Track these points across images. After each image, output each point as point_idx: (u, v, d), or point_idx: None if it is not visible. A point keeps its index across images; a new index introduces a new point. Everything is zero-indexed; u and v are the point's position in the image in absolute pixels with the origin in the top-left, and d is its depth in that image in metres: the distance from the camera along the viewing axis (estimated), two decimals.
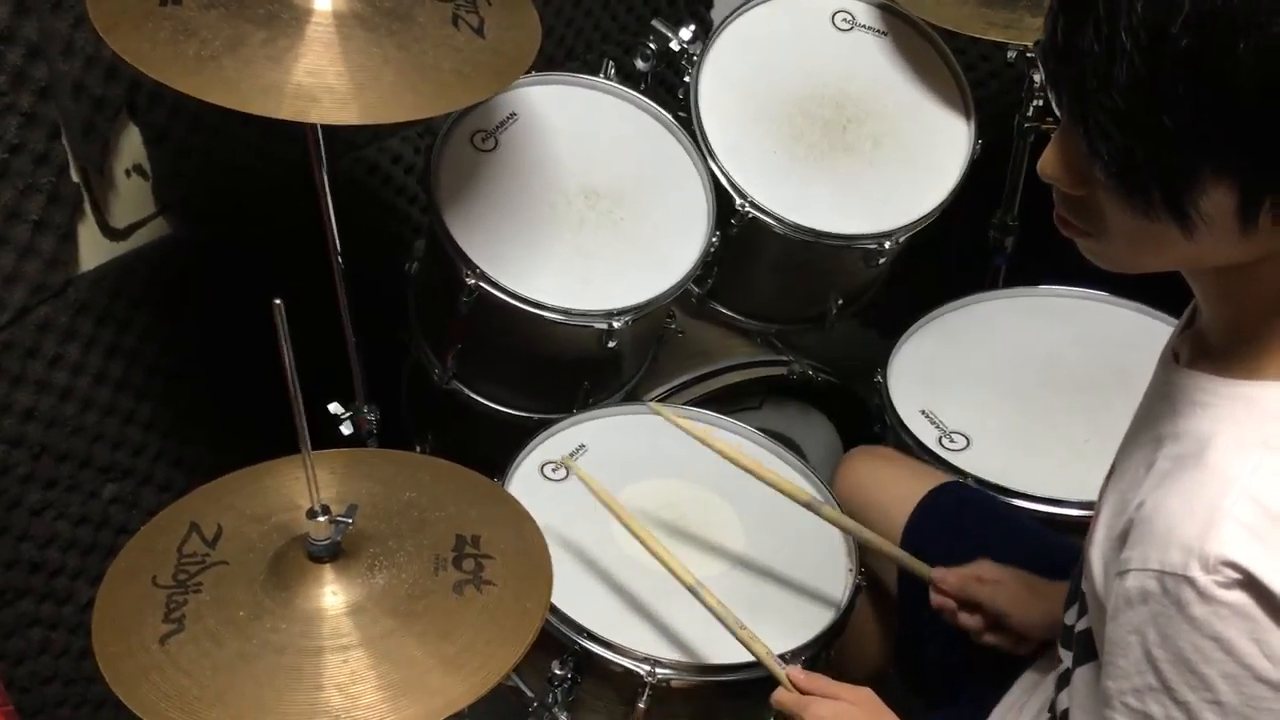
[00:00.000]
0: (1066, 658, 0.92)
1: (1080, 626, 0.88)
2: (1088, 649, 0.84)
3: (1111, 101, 0.68)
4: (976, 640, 1.21)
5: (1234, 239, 0.72)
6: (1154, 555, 0.73)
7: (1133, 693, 0.75)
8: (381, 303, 1.70)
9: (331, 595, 0.98)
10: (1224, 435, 0.75)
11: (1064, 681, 0.92)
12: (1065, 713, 0.89)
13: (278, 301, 0.89)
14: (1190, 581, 0.71)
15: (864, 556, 1.37)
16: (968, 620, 1.21)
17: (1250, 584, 0.69)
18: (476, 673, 0.94)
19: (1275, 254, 0.74)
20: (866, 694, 1.07)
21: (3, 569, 1.52)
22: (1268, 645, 0.70)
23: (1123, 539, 0.77)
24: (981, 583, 1.20)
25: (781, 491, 1.29)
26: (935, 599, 1.23)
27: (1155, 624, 0.73)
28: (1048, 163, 0.77)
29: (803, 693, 1.10)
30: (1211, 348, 0.82)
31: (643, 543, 1.22)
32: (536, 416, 1.60)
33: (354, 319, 1.47)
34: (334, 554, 0.99)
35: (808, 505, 1.29)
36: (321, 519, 0.98)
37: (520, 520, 1.10)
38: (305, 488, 1.00)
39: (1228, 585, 0.70)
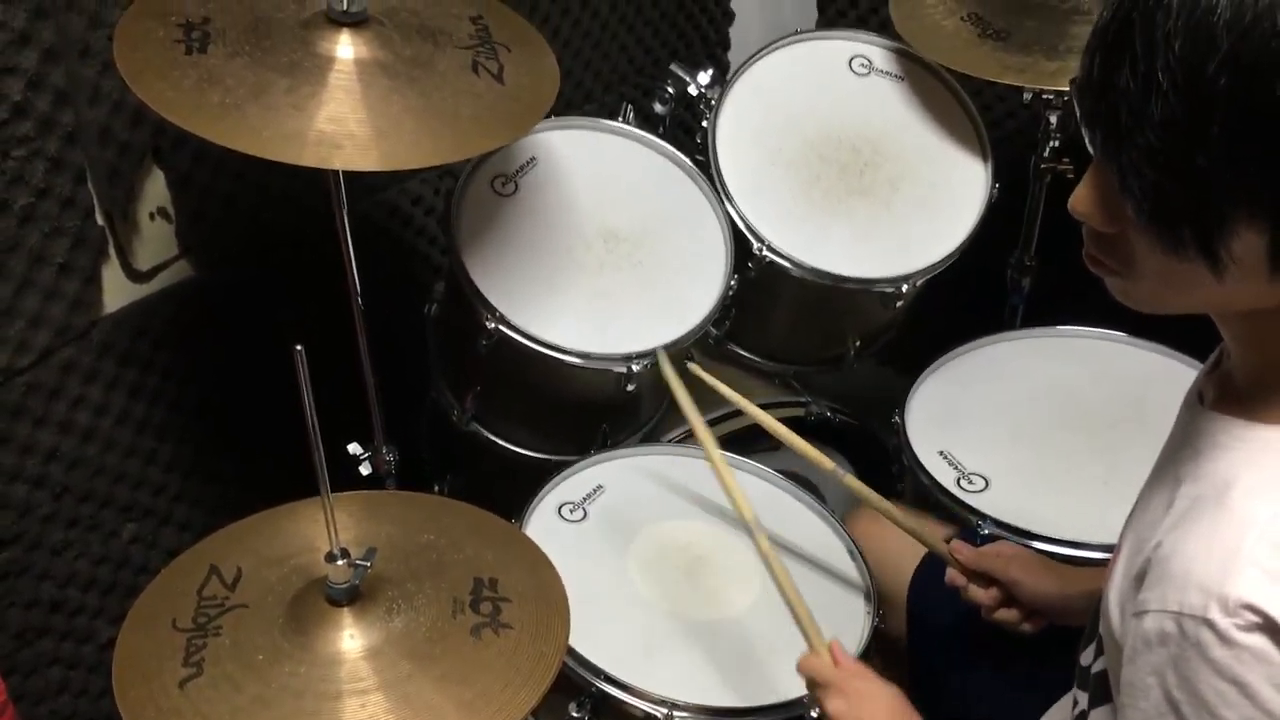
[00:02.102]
0: (1082, 699, 0.92)
1: (1096, 668, 0.88)
2: (1103, 690, 0.84)
3: (1146, 140, 0.69)
4: (987, 617, 1.22)
5: (1263, 282, 0.72)
6: (1172, 597, 0.73)
7: None
8: (401, 344, 1.72)
9: (350, 639, 0.98)
10: (1245, 478, 0.75)
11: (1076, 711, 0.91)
12: None
13: (299, 348, 0.90)
14: (1210, 624, 0.70)
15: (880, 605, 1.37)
16: (979, 594, 1.22)
17: (1270, 628, 0.69)
18: (494, 717, 0.94)
19: None
20: (896, 691, 1.07)
21: (23, 608, 1.53)
22: None
23: (1140, 579, 0.77)
24: (997, 556, 1.22)
25: (807, 457, 1.34)
26: (950, 574, 1.25)
27: (1174, 666, 0.72)
28: (1080, 200, 0.77)
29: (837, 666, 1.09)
30: (1237, 391, 0.82)
31: (714, 466, 1.26)
32: (555, 458, 1.61)
33: (373, 360, 1.48)
34: (352, 597, 1.00)
35: (831, 473, 1.34)
36: (340, 563, 0.98)
37: (537, 563, 1.10)
38: (324, 530, 1.01)
39: (1248, 629, 0.69)
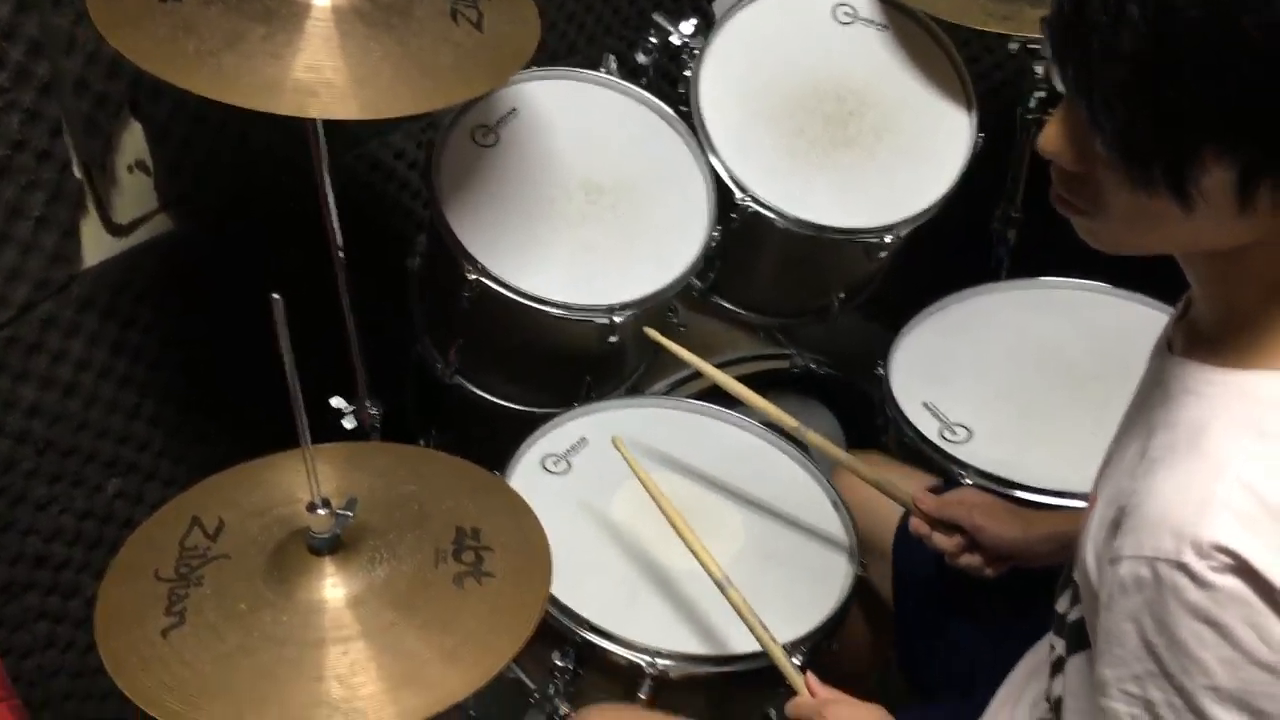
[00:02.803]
0: (1059, 646, 0.92)
1: (1073, 616, 0.89)
2: (1080, 638, 0.85)
3: (1116, 73, 0.69)
4: (952, 563, 1.23)
5: (1231, 219, 0.72)
6: (1147, 542, 0.73)
7: (1132, 680, 0.75)
8: (384, 298, 1.71)
9: (332, 588, 0.99)
10: (1217, 423, 0.75)
11: (1057, 669, 0.92)
12: (1059, 700, 0.90)
13: (276, 297, 0.90)
14: (1184, 567, 0.71)
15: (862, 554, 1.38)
16: (943, 541, 1.24)
17: (1244, 570, 0.70)
18: (476, 665, 0.95)
19: (1270, 239, 0.74)
20: (881, 712, 1.08)
21: (8, 564, 1.54)
22: (1263, 630, 0.70)
23: (1115, 527, 0.77)
24: (959, 503, 1.23)
25: (770, 416, 1.35)
26: (913, 523, 1.26)
27: (1151, 611, 0.73)
28: (1049, 139, 0.77)
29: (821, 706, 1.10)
30: (1205, 336, 0.82)
31: (675, 528, 1.23)
32: (539, 411, 1.61)
33: (356, 314, 1.48)
34: (334, 547, 1.00)
35: (795, 430, 1.35)
36: (322, 512, 0.98)
37: (520, 512, 1.11)
38: (306, 481, 1.01)
39: (1221, 570, 0.70)
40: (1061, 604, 0.94)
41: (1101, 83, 0.70)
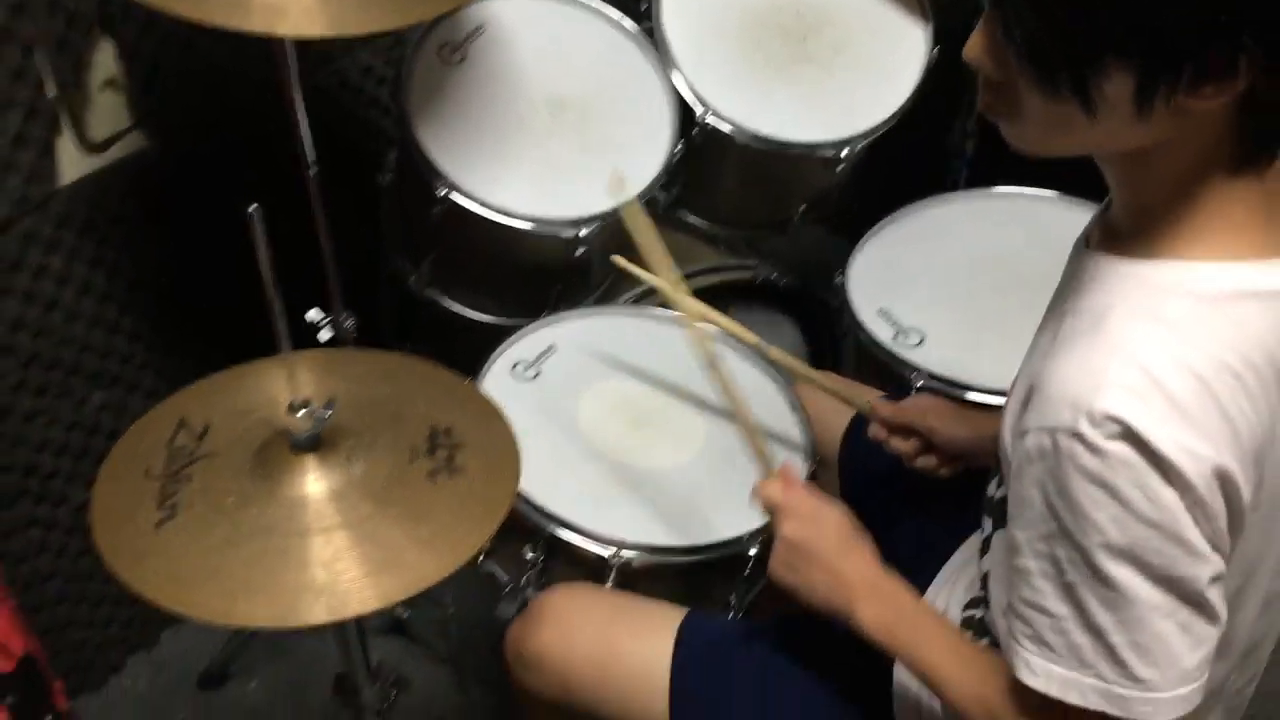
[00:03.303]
0: (987, 525, 1.00)
1: (998, 495, 0.96)
2: (1004, 515, 0.92)
3: None
4: (909, 464, 1.30)
5: (1132, 123, 0.78)
6: (1049, 414, 0.80)
7: (1040, 539, 0.83)
8: (357, 213, 1.75)
9: (314, 482, 1.04)
10: (1118, 308, 0.82)
11: (985, 548, 1.00)
12: (987, 575, 0.97)
13: (253, 209, 0.94)
14: (1079, 436, 0.78)
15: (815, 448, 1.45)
16: (900, 444, 1.31)
17: (1131, 436, 0.77)
18: (449, 551, 1.01)
19: (1171, 141, 0.80)
20: (842, 508, 1.10)
21: None
22: (1149, 490, 0.77)
23: (1025, 404, 0.85)
24: (914, 408, 1.30)
25: (732, 332, 1.41)
26: (872, 429, 1.33)
27: (1052, 477, 0.80)
28: (971, 49, 0.83)
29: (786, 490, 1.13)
30: (1117, 232, 0.88)
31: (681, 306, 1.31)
32: (510, 322, 1.66)
33: (329, 228, 1.51)
34: (315, 445, 1.05)
35: (755, 346, 1.42)
36: (302, 412, 1.04)
37: (489, 414, 1.16)
38: (286, 384, 1.06)
39: (1112, 438, 0.77)
40: (990, 488, 1.01)
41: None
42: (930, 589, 1.20)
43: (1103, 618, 0.81)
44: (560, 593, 1.28)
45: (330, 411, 1.05)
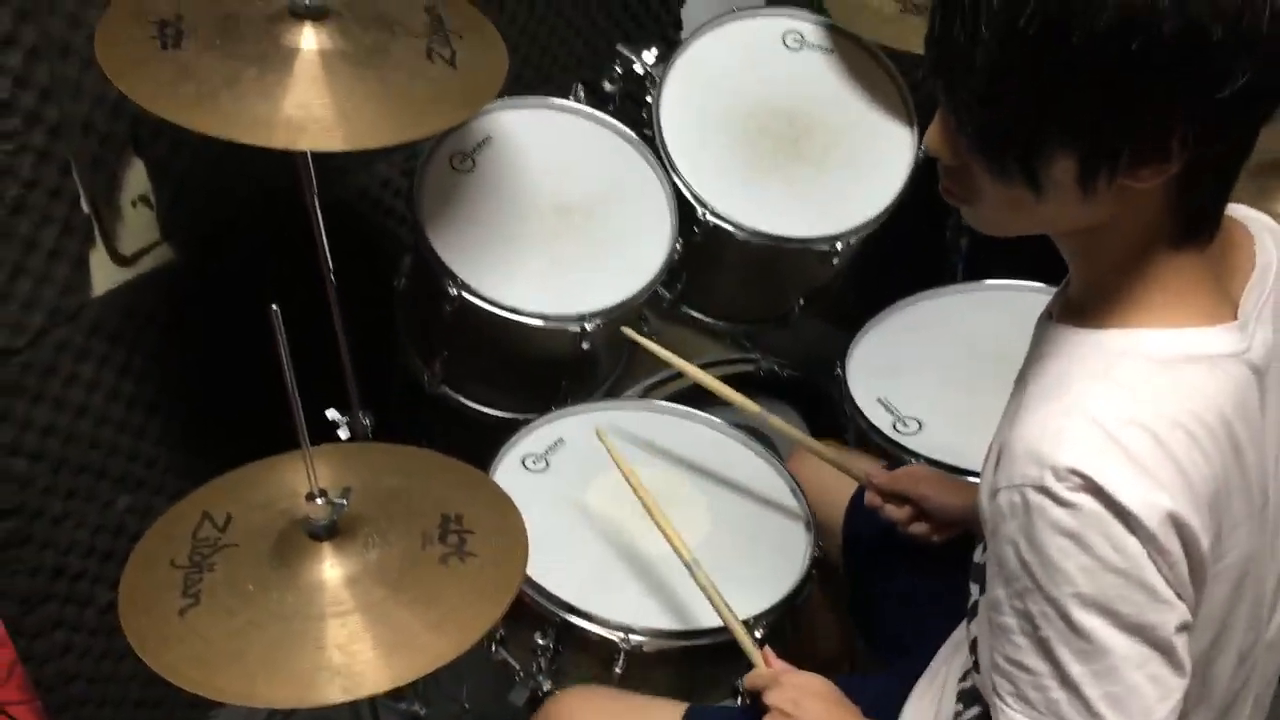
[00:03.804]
0: (974, 590, 1.04)
1: (982, 560, 1.00)
2: (986, 580, 0.96)
3: (974, 83, 0.81)
4: (903, 531, 1.35)
5: (1078, 203, 0.84)
6: (1017, 472, 0.85)
7: (1016, 596, 0.87)
8: (374, 316, 1.82)
9: (330, 569, 1.09)
10: (1074, 372, 0.88)
11: (973, 614, 1.03)
12: (975, 641, 1.01)
13: (275, 307, 1.01)
14: (1046, 490, 0.82)
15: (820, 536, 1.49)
16: (894, 512, 1.36)
17: (1093, 488, 0.81)
18: (460, 632, 1.06)
19: (1117, 219, 0.86)
20: (826, 682, 1.18)
21: (28, 575, 1.62)
22: (1114, 539, 0.81)
23: (996, 467, 0.89)
24: (908, 476, 1.36)
25: (734, 402, 1.46)
26: (868, 497, 1.38)
27: (1024, 531, 0.85)
28: (930, 139, 0.90)
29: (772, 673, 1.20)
30: (1075, 305, 0.94)
31: (650, 515, 1.33)
32: (520, 417, 1.71)
33: (347, 332, 1.58)
34: (332, 533, 1.11)
35: (756, 416, 1.46)
36: (319, 501, 1.09)
37: (499, 500, 1.22)
38: (305, 477, 1.12)
39: (1076, 490, 0.81)
40: (977, 554, 1.05)
41: (963, 91, 0.83)
42: (933, 662, 1.23)
43: (1077, 671, 0.84)
44: (570, 694, 1.32)
45: (346, 500, 1.10)
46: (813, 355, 1.97)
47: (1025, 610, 0.86)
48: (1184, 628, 0.85)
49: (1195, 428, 0.84)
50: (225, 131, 1.22)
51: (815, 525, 1.49)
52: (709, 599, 1.27)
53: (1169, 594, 0.83)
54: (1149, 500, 0.81)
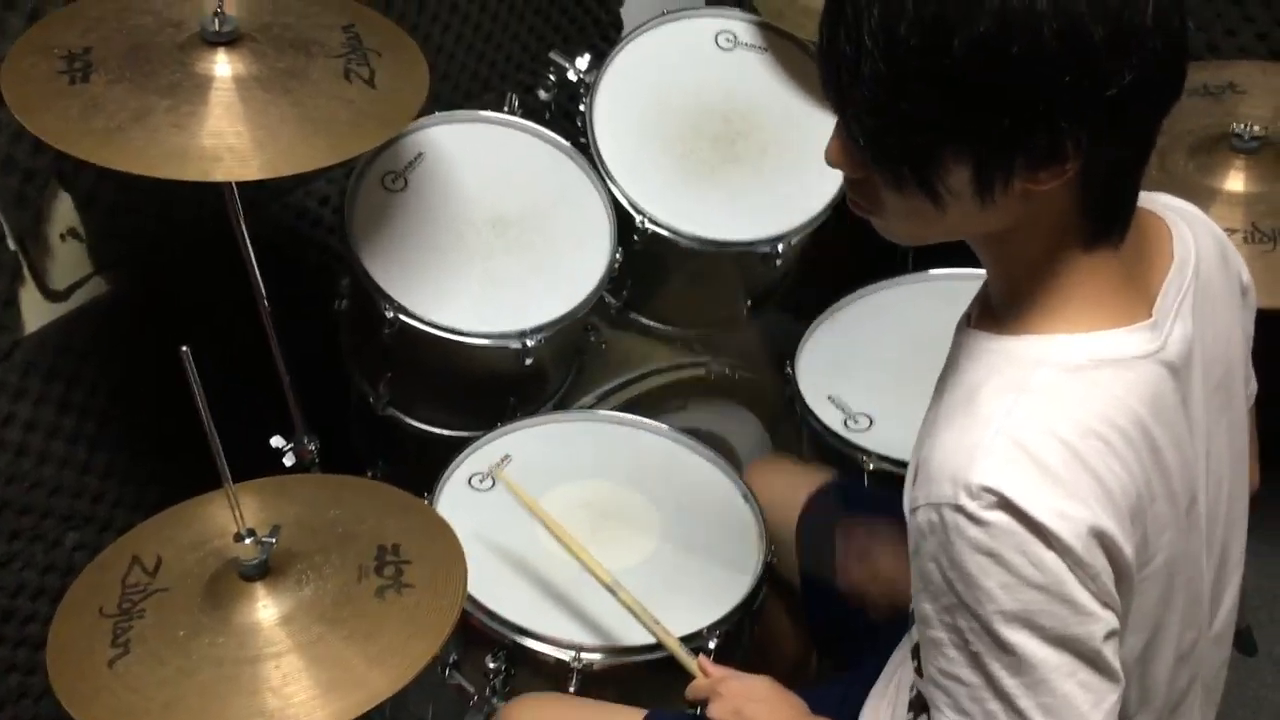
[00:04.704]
0: (918, 621, 1.03)
1: None
2: None
3: (862, 94, 0.80)
4: None
5: (979, 210, 0.83)
6: (934, 490, 0.84)
7: (944, 611, 0.86)
8: (317, 338, 1.80)
9: (264, 609, 1.08)
10: (988, 384, 0.86)
11: (914, 618, 1.02)
12: (917, 647, 0.99)
13: (185, 349, 0.99)
14: (961, 509, 0.81)
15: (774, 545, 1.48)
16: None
17: (1007, 505, 0.80)
18: (398, 666, 1.04)
19: (1024, 223, 0.85)
20: (766, 679, 1.18)
21: None
22: (1032, 555, 0.80)
23: (914, 481, 0.88)
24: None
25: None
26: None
27: (944, 550, 0.83)
28: (830, 152, 0.88)
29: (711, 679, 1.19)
30: (991, 310, 0.93)
31: (563, 544, 1.32)
32: (469, 435, 1.69)
33: (287, 357, 1.56)
34: (264, 572, 1.09)
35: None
36: (248, 541, 1.07)
37: (436, 526, 1.20)
38: (233, 516, 1.10)
39: (989, 508, 0.81)
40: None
41: (852, 102, 0.81)
42: (886, 668, 1.23)
43: (1009, 683, 0.84)
44: (522, 703, 1.30)
45: (275, 538, 1.09)
46: (765, 354, 1.96)
47: (954, 625, 0.85)
48: (1111, 634, 0.84)
49: (1110, 434, 0.83)
50: (137, 167, 1.20)
51: (768, 534, 1.48)
52: (636, 617, 1.26)
53: (1093, 605, 0.82)
54: (1064, 514, 0.80)
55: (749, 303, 1.88)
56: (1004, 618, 0.82)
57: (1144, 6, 0.77)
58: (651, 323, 1.89)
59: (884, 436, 1.61)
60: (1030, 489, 0.80)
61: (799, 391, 1.69)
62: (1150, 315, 0.89)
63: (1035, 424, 0.82)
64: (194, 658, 1.04)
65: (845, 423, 1.64)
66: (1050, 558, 0.80)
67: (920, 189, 0.82)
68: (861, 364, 1.73)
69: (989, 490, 0.80)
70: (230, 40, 1.30)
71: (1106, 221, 0.86)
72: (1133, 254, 0.90)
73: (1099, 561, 0.82)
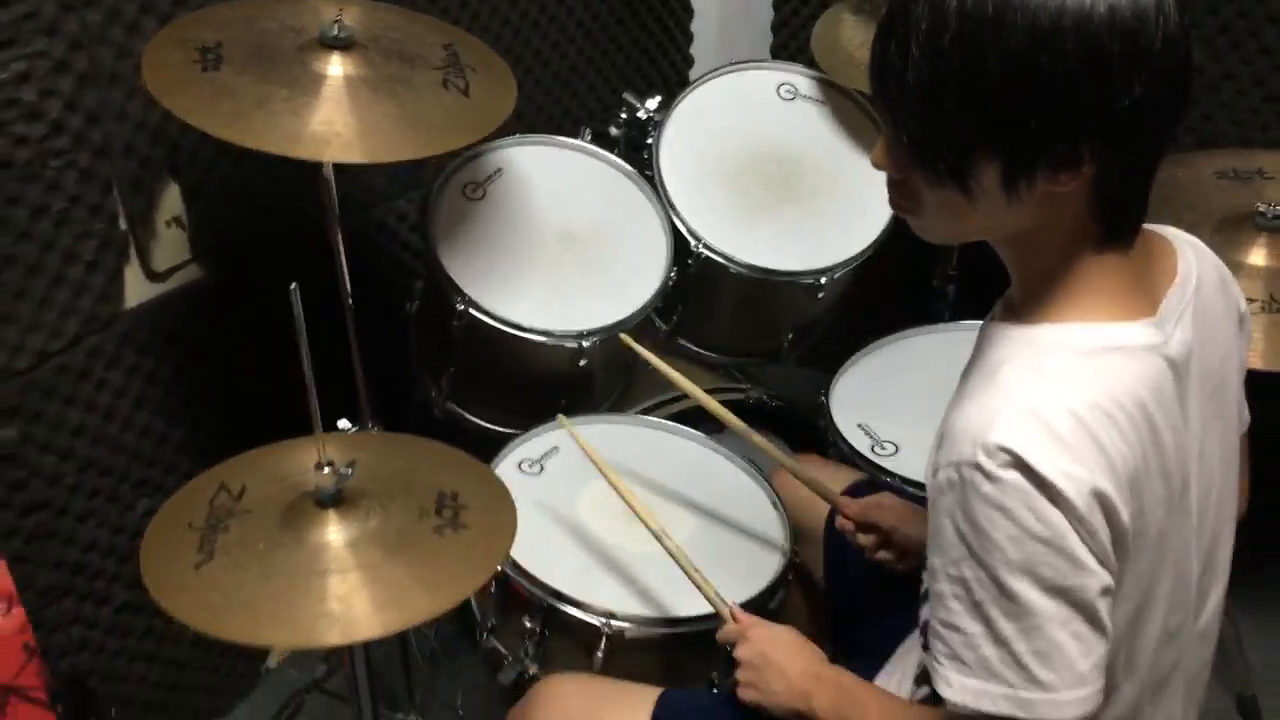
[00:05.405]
0: (927, 578, 1.12)
1: None
2: None
3: (908, 101, 0.93)
4: (870, 557, 1.42)
5: (1004, 208, 0.95)
6: (954, 451, 0.94)
7: (951, 564, 0.96)
8: (386, 338, 1.93)
9: (334, 533, 1.19)
10: (1009, 364, 0.97)
11: (924, 599, 1.11)
12: (926, 624, 1.08)
13: (294, 285, 1.12)
14: (978, 466, 0.92)
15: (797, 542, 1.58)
16: (863, 539, 1.43)
17: (1019, 464, 0.90)
18: (446, 592, 1.15)
19: (1044, 223, 0.97)
20: (791, 629, 1.26)
21: (49, 568, 1.71)
22: (1037, 510, 0.91)
23: (939, 448, 0.98)
24: (878, 507, 1.43)
25: (721, 417, 1.52)
26: (839, 522, 1.45)
27: (960, 506, 0.94)
28: (876, 155, 1.01)
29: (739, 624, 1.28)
30: (1013, 305, 1.05)
31: (615, 489, 1.41)
32: (521, 433, 1.81)
33: (361, 349, 1.69)
34: (337, 501, 1.20)
35: (742, 431, 1.52)
36: (326, 470, 1.19)
37: (492, 482, 1.31)
38: (316, 456, 1.21)
39: (1004, 466, 0.91)
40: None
41: (899, 108, 0.95)
42: (899, 649, 1.31)
43: (1007, 629, 0.93)
44: (552, 680, 1.40)
45: (351, 470, 1.20)
46: (801, 394, 2.07)
47: (960, 576, 0.95)
48: (1106, 592, 0.94)
49: (1115, 411, 0.94)
50: (256, 143, 1.34)
51: (793, 534, 1.58)
52: (677, 562, 1.35)
53: (1090, 561, 0.92)
54: (1070, 475, 0.90)
55: (790, 336, 1.99)
56: (1009, 567, 0.91)
57: (1154, 32, 0.90)
58: (697, 349, 2.00)
59: (908, 462, 1.71)
60: (1041, 451, 0.90)
61: (831, 418, 1.80)
62: (1155, 314, 1.00)
63: (1050, 398, 0.93)
64: (270, 568, 1.15)
65: (873, 448, 1.74)
66: (1055, 514, 0.90)
67: (955, 184, 0.95)
68: (890, 398, 1.84)
69: (1004, 449, 0.91)
70: (345, 46, 1.46)
71: (1117, 225, 0.98)
72: (1141, 263, 1.01)
73: (1098, 520, 0.92)
